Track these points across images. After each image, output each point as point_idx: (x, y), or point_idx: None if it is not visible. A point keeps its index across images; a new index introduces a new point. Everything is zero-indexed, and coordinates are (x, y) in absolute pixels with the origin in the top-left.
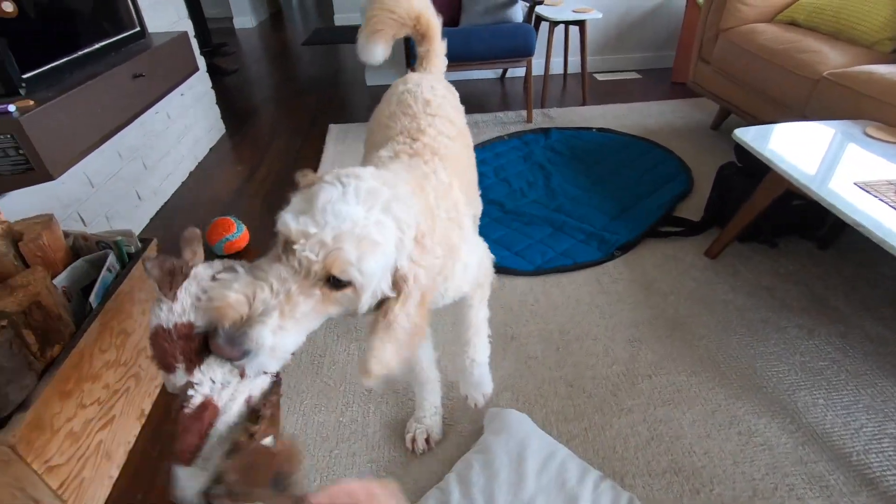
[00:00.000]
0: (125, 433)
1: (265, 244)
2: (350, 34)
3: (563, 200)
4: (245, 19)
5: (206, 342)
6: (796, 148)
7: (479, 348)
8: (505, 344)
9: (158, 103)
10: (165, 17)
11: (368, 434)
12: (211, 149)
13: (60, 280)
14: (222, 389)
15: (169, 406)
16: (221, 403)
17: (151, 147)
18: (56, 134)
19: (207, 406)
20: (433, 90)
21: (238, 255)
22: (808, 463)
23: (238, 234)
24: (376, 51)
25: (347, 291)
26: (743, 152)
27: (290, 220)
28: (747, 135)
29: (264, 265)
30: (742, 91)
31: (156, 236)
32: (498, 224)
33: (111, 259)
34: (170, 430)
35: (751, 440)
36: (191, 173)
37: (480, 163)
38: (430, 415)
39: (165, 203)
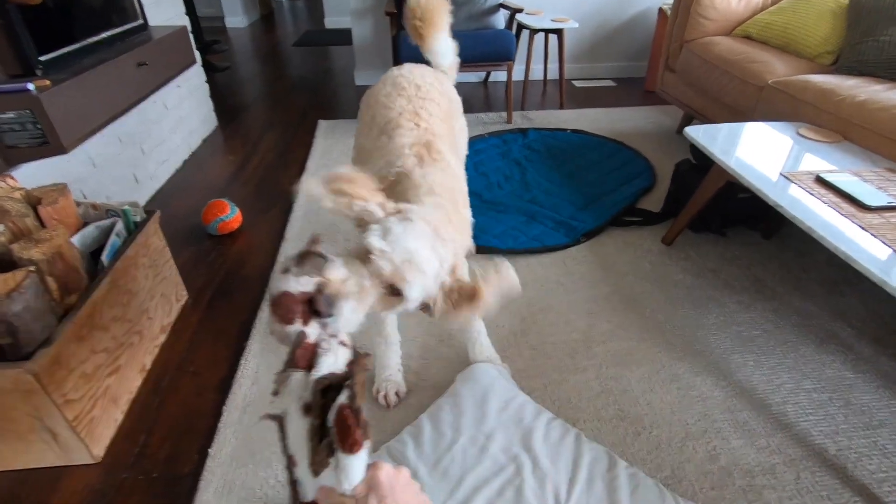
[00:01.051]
0: (129, 383)
1: (257, 226)
2: (340, 37)
3: (536, 192)
4: (237, 19)
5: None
6: (737, 145)
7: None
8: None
9: (156, 93)
10: (165, 13)
11: None
12: (204, 140)
13: (73, 242)
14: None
15: (167, 364)
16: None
17: (149, 134)
18: (69, 112)
19: (317, 345)
20: (423, 76)
21: (231, 235)
22: (735, 411)
23: (232, 215)
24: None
25: (396, 299)
26: (697, 150)
27: (374, 240)
28: (696, 133)
29: (354, 264)
30: (702, 97)
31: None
32: (476, 212)
33: (119, 226)
34: (171, 385)
35: (688, 394)
36: (185, 161)
37: None
38: (395, 372)
39: (161, 187)
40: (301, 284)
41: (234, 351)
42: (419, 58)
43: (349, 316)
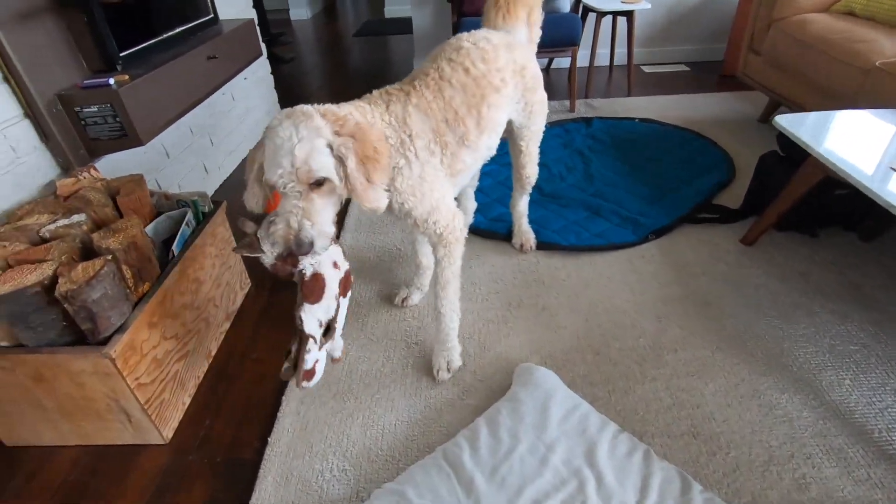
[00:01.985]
0: (196, 368)
1: None
2: (400, 26)
3: (600, 186)
4: (301, 11)
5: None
6: (838, 135)
7: (445, 302)
8: (536, 314)
9: (224, 85)
10: (234, 6)
11: (406, 383)
12: None
13: (147, 231)
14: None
15: (232, 351)
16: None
17: (217, 125)
18: (146, 105)
19: (319, 276)
20: (481, 41)
21: None
22: (828, 436)
23: None
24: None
25: (325, 186)
26: (786, 141)
27: (270, 174)
28: (789, 122)
29: (281, 203)
30: (792, 82)
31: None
32: (536, 205)
33: (189, 216)
34: (235, 371)
35: (771, 412)
36: (250, 151)
37: None
38: (421, 284)
39: (228, 177)
40: (270, 255)
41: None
42: None
43: (315, 229)
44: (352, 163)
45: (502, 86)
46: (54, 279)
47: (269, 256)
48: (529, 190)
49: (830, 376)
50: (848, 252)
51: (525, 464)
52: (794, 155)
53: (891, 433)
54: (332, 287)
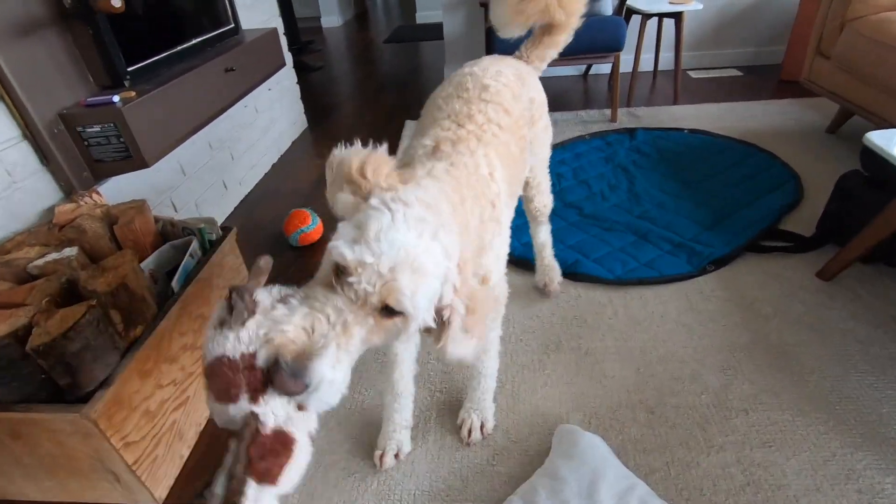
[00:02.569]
0: (197, 415)
1: None
2: (431, 32)
3: (648, 206)
4: (332, 18)
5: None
6: None
7: (489, 363)
8: (578, 359)
9: (247, 97)
10: (259, 16)
11: (429, 442)
12: (293, 142)
13: (148, 263)
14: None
15: None
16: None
17: (238, 139)
18: (153, 124)
19: (287, 436)
20: (498, 75)
21: (311, 247)
22: None
23: (313, 226)
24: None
25: (397, 320)
26: (871, 159)
27: (345, 250)
28: (881, 137)
29: (319, 294)
30: (870, 89)
31: (238, 224)
32: (575, 229)
33: (194, 245)
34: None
35: (874, 500)
36: (273, 165)
37: (559, 163)
38: (400, 429)
39: (249, 193)
40: (243, 343)
41: None
42: (512, 50)
43: (333, 376)
44: (457, 322)
45: (530, 123)
46: (30, 328)
47: (233, 339)
48: (545, 221)
49: None
50: None
51: None
52: (881, 176)
53: None
54: (299, 464)
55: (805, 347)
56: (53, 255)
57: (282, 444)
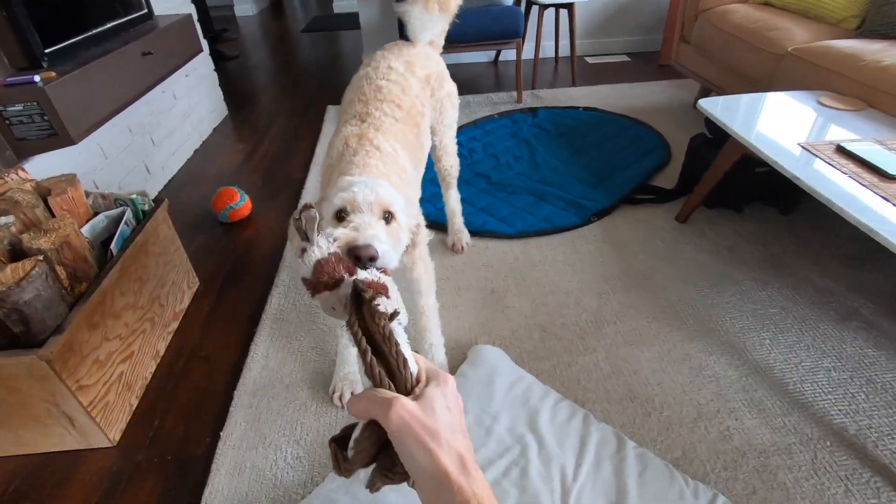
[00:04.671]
0: (142, 369)
1: (266, 212)
2: (348, 21)
3: (545, 172)
4: (246, 7)
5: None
6: (754, 116)
7: (435, 332)
8: (485, 296)
9: (164, 83)
10: (169, 1)
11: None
12: (214, 129)
13: (84, 232)
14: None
15: (180, 349)
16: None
17: (158, 124)
18: (76, 103)
19: (382, 284)
20: (389, 73)
21: (241, 223)
22: (750, 391)
23: (241, 202)
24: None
25: (394, 224)
26: (712, 124)
27: (344, 194)
28: (711, 105)
29: (347, 222)
30: (718, 69)
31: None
32: (484, 194)
33: (128, 214)
34: (184, 369)
35: (700, 373)
36: (196, 150)
37: (471, 139)
38: (354, 371)
39: (173, 177)
40: (324, 248)
41: (245, 335)
42: None
43: (384, 245)
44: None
45: (423, 109)
46: None
47: (319, 249)
48: (453, 183)
49: (753, 338)
50: (769, 226)
51: (472, 434)
52: (719, 136)
53: (803, 384)
54: (395, 295)
55: (660, 273)
56: None
57: (382, 286)
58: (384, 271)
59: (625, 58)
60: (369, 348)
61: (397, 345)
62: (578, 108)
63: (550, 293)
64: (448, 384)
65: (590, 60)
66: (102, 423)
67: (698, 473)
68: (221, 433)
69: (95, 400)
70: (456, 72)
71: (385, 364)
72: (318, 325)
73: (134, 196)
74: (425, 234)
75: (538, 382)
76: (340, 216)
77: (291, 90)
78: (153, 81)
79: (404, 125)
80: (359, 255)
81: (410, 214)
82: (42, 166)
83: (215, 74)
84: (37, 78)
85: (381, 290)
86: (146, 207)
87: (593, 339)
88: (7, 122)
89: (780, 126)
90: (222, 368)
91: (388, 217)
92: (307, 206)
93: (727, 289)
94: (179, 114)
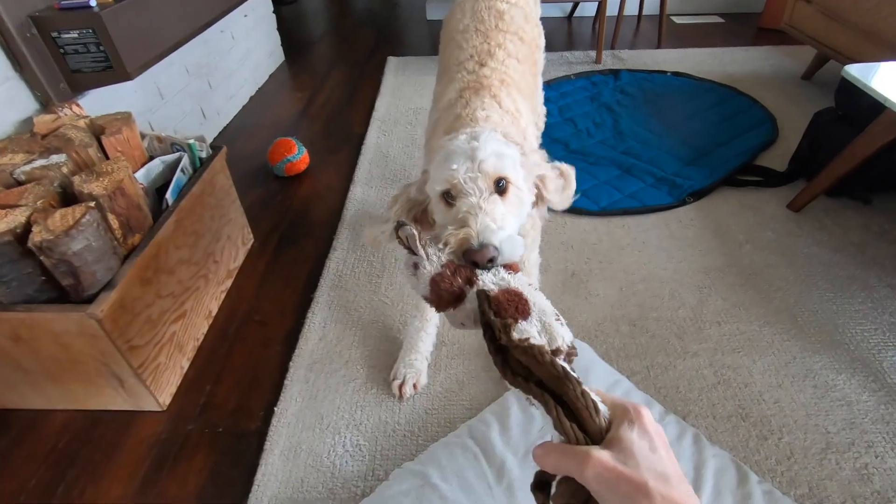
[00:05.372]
0: (195, 329)
1: (324, 168)
2: None
3: (632, 143)
4: None
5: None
6: None
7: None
8: (565, 279)
9: (223, 22)
10: None
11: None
12: (271, 75)
13: (138, 177)
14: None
15: (234, 311)
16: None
17: (216, 66)
18: (133, 33)
19: (514, 291)
20: None
21: (298, 177)
22: (892, 423)
23: (299, 155)
24: None
25: (511, 191)
26: (845, 98)
27: (453, 170)
28: (858, 70)
29: (449, 214)
30: (848, 32)
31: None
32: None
33: (185, 161)
34: (238, 333)
35: (827, 394)
36: (251, 97)
37: (545, 101)
38: (421, 359)
39: (228, 123)
40: (435, 260)
41: (302, 300)
42: None
43: (502, 234)
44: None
45: (540, 40)
46: (28, 227)
47: (430, 264)
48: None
49: (891, 356)
50: None
51: None
52: (853, 114)
53: None
54: (538, 304)
55: (773, 269)
56: (41, 162)
57: (514, 294)
58: (512, 266)
59: (718, 18)
60: (550, 398)
61: (579, 384)
62: (667, 72)
63: (641, 281)
64: (643, 418)
65: (677, 20)
66: (153, 387)
67: None
68: (276, 408)
69: (147, 361)
70: None
71: (563, 405)
72: (379, 296)
73: (191, 141)
74: (554, 185)
75: (637, 389)
76: (447, 199)
77: (350, 39)
78: (212, 17)
79: (525, 67)
80: (475, 261)
81: (530, 166)
82: (96, 103)
83: (273, 17)
84: (93, 2)
85: (514, 303)
86: (204, 154)
87: (693, 341)
88: (62, 50)
89: None
90: (277, 335)
91: (502, 186)
92: (401, 224)
93: (856, 295)
94: (238, 56)
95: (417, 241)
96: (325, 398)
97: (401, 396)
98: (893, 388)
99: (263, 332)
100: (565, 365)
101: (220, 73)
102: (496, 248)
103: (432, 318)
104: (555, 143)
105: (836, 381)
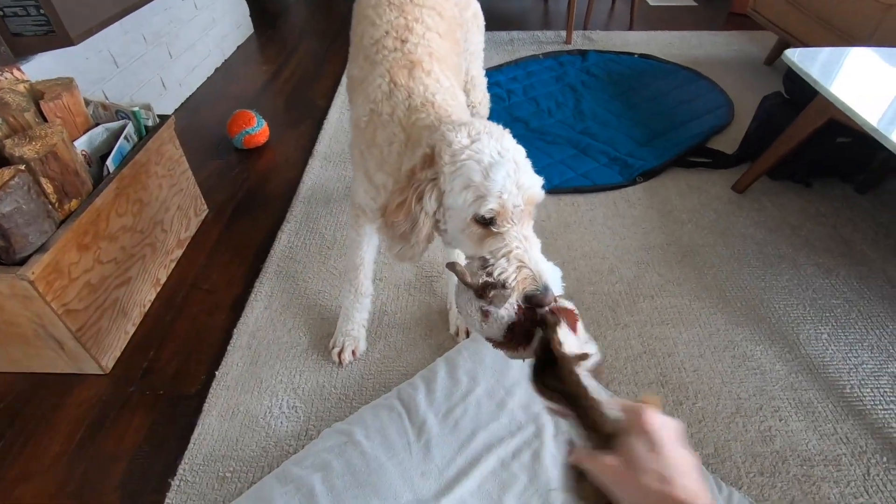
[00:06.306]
0: (140, 296)
1: (285, 140)
2: None
3: (590, 123)
4: None
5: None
6: (851, 74)
7: None
8: None
9: None
10: None
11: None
12: (239, 46)
13: (80, 144)
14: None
15: (182, 279)
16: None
17: (177, 35)
18: None
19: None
20: None
21: (257, 150)
22: (799, 390)
23: (258, 128)
24: None
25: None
26: (792, 83)
27: (502, 198)
28: (798, 55)
29: (495, 247)
30: (805, 19)
31: (181, 124)
32: (521, 141)
33: (129, 129)
34: (185, 301)
35: (744, 363)
36: (217, 69)
37: (511, 80)
38: (357, 328)
39: (191, 95)
40: (509, 308)
41: (251, 271)
42: None
43: (551, 272)
44: None
45: (461, 20)
46: None
47: (506, 311)
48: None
49: (808, 330)
50: (842, 205)
51: (481, 407)
52: (799, 98)
53: (862, 389)
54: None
55: (710, 248)
56: None
57: (569, 313)
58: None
59: (691, 2)
60: (571, 412)
61: (593, 398)
62: (634, 54)
63: (582, 257)
64: (643, 419)
65: (651, 2)
66: (94, 350)
67: (731, 475)
68: (217, 372)
69: (86, 325)
70: (501, 5)
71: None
72: (328, 267)
73: (136, 108)
74: None
75: None
76: (482, 221)
77: (322, 10)
78: None
79: (447, 44)
80: (539, 304)
81: None
82: (45, 69)
83: None
84: None
85: (569, 317)
86: (150, 123)
87: (626, 314)
88: (1, 12)
89: (883, 89)
90: (224, 304)
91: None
92: (454, 265)
93: (784, 272)
94: (201, 25)
95: (504, 299)
96: (266, 363)
97: (340, 363)
98: (805, 360)
99: (211, 299)
100: (588, 380)
101: (182, 42)
102: (553, 291)
103: (367, 291)
104: (516, 121)
105: (753, 351)
